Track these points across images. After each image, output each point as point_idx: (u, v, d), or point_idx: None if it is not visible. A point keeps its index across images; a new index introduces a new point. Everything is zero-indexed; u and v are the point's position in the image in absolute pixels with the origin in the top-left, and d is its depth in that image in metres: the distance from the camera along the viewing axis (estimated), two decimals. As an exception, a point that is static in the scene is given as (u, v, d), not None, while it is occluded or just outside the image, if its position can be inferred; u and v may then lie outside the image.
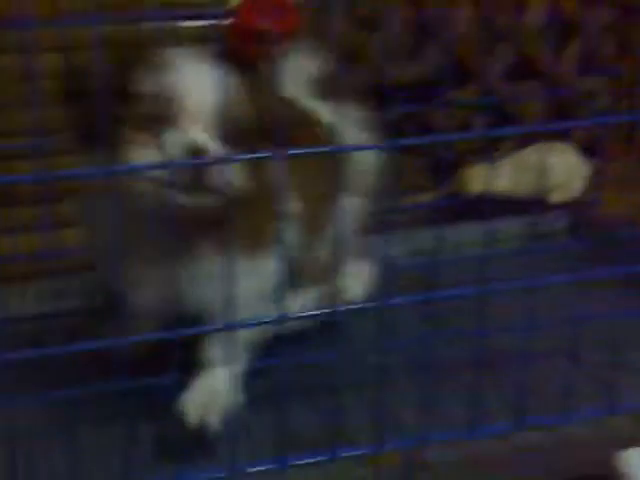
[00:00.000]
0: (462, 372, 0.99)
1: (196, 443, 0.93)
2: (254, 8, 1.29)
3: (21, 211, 1.30)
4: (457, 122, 1.54)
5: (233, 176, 0.88)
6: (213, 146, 0.87)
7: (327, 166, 0.99)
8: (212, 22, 1.34)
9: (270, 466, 0.90)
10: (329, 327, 1.04)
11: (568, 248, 1.34)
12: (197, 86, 0.88)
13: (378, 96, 1.51)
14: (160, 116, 0.86)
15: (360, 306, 0.89)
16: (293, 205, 1.00)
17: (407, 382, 1.01)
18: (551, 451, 0.96)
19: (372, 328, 0.88)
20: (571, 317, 0.94)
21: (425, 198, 1.52)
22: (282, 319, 0.85)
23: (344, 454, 0.92)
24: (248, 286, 0.87)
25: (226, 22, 1.31)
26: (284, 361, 0.91)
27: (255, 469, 0.90)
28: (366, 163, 1.15)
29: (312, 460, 0.91)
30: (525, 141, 1.47)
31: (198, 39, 1.32)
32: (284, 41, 1.29)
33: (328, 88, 1.13)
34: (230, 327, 0.84)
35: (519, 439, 0.96)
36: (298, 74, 1.15)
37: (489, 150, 1.57)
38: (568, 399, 0.96)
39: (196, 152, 0.85)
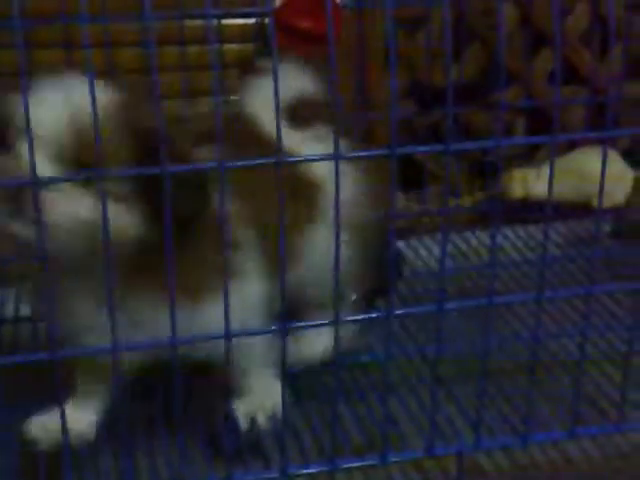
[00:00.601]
0: (516, 378, 0.98)
1: (246, 444, 0.92)
2: (296, 7, 1.28)
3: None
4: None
5: (73, 208, 0.79)
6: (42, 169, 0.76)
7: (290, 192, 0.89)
8: (256, 20, 1.33)
9: (320, 469, 0.89)
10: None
11: (612, 254, 1.33)
12: (41, 110, 0.77)
13: (420, 97, 1.51)
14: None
15: (415, 311, 0.87)
16: (240, 233, 0.90)
17: (460, 387, 1.00)
18: (604, 462, 0.94)
19: (426, 332, 0.87)
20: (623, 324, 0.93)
21: (466, 201, 1.51)
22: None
23: (394, 458, 0.90)
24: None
25: (269, 20, 1.31)
26: (335, 362, 0.90)
27: (305, 471, 0.89)
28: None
29: (362, 464, 0.90)
30: (568, 146, 1.46)
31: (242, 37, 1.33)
32: (325, 41, 1.28)
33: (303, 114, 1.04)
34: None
35: (572, 448, 0.95)
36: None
37: (531, 154, 1.57)
38: (620, 408, 0.94)
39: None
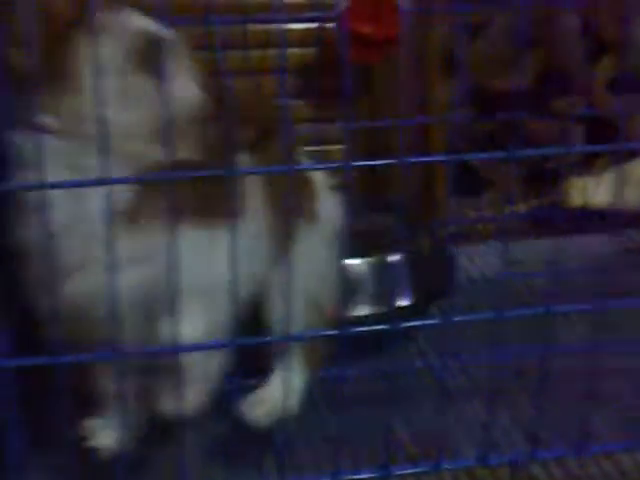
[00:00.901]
0: (573, 387, 0.97)
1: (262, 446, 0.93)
2: (359, 12, 1.28)
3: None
4: (557, 132, 1.52)
5: None
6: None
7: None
8: (319, 25, 1.34)
9: (372, 475, 0.90)
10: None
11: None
12: None
13: (478, 104, 1.50)
14: None
15: (474, 319, 0.87)
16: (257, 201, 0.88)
17: (516, 394, 0.99)
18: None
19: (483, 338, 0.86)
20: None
21: (521, 208, 1.50)
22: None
23: (447, 466, 0.91)
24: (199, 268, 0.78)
25: (331, 25, 1.32)
26: (391, 367, 0.91)
27: (357, 477, 0.90)
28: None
29: (414, 471, 0.91)
30: (628, 154, 1.44)
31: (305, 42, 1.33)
32: (387, 47, 1.29)
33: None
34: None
35: (626, 460, 0.94)
36: None
37: (588, 163, 1.56)
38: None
39: None
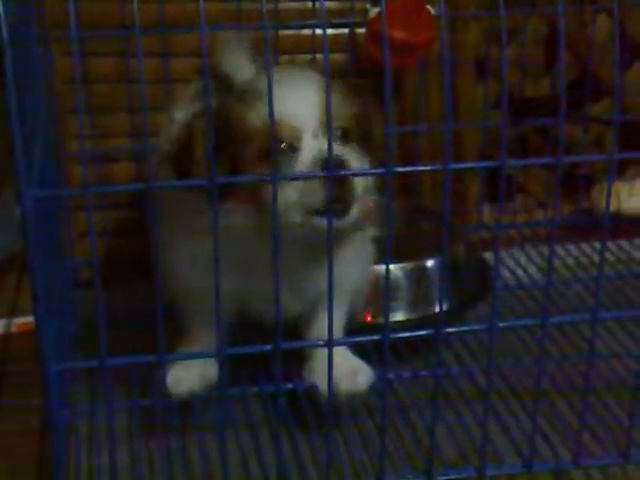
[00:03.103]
0: (618, 395, 0.96)
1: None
2: (391, 17, 1.28)
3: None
4: (590, 137, 1.51)
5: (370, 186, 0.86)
6: (348, 156, 0.85)
7: None
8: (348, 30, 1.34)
9: (416, 480, 0.89)
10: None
11: None
12: (301, 104, 0.86)
13: (509, 110, 1.49)
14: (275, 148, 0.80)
15: (518, 324, 0.86)
16: None
17: (560, 402, 0.98)
18: None
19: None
20: None
21: (552, 213, 1.49)
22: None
23: (492, 472, 0.90)
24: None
25: (362, 31, 1.32)
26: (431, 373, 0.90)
27: (401, 482, 0.89)
28: None
29: (458, 476, 0.90)
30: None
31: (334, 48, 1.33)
32: (419, 52, 1.28)
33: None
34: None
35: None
36: None
37: (621, 169, 1.54)
38: None
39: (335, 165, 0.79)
